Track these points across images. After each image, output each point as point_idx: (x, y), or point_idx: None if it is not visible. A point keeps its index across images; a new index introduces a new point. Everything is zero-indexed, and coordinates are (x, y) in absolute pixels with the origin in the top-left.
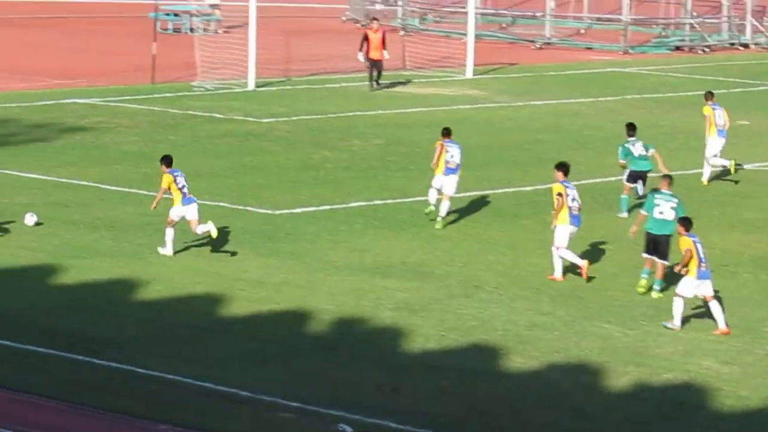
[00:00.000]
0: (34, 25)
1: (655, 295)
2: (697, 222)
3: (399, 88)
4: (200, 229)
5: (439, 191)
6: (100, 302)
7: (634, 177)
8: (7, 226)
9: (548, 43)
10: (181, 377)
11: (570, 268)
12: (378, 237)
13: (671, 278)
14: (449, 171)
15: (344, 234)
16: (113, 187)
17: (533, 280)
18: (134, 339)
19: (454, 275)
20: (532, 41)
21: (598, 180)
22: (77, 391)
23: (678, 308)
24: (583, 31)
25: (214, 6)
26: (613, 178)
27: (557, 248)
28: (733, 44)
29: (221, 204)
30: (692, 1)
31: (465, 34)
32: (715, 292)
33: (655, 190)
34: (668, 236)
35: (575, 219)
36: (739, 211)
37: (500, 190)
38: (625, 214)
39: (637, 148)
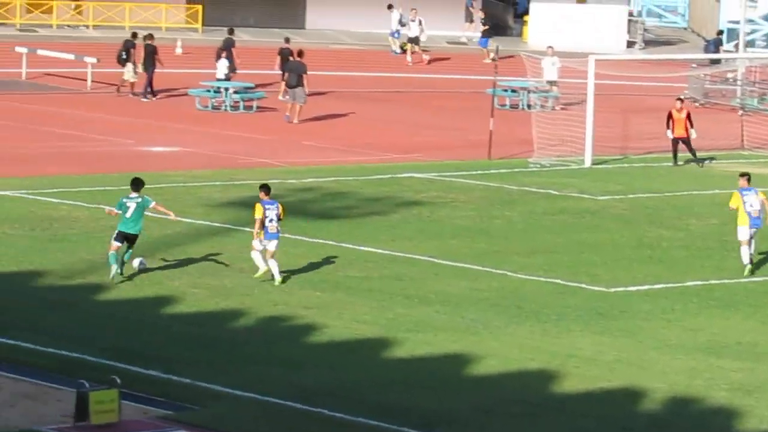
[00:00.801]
0: (379, 99)
1: None
2: None
3: (737, 168)
4: (270, 263)
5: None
6: (434, 377)
7: None
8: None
9: None
10: None
11: None
12: (713, 316)
13: None
14: (753, 222)
15: (678, 313)
16: (447, 262)
17: None
18: (468, 414)
19: None
20: None
21: None
22: None
23: None
24: None
25: (551, 83)
26: None
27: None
28: None
29: (555, 281)
30: None
31: None
32: None
33: None
34: None
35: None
36: None
37: None
38: None
39: None
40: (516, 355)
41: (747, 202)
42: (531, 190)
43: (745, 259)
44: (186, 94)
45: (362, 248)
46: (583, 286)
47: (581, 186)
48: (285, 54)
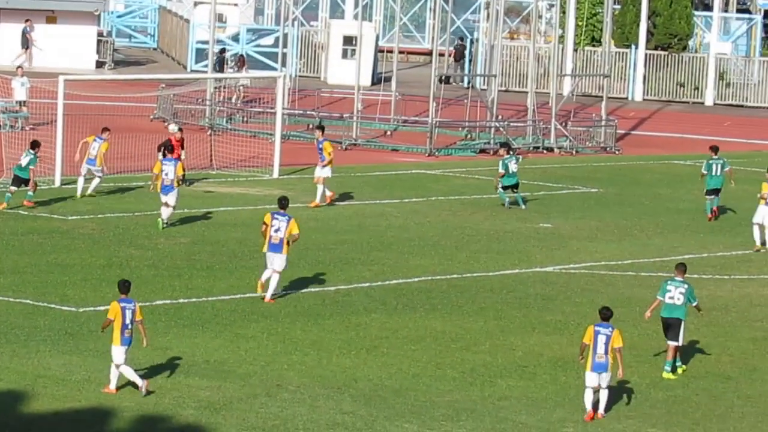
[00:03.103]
0: None
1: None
2: (499, 322)
3: (206, 188)
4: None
5: None
6: None
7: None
8: None
9: (354, 144)
10: None
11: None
12: (181, 336)
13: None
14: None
15: (148, 332)
16: None
17: (335, 380)
18: None
19: (257, 374)
20: (339, 142)
21: (401, 281)
22: None
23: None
24: (389, 133)
25: (21, 103)
26: (416, 279)
27: None
28: (537, 148)
29: (24, 301)
30: (498, 104)
31: (272, 134)
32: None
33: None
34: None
35: None
36: (541, 313)
37: (304, 290)
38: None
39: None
40: None
41: None
42: None
43: None
44: None
45: None
46: (53, 306)
47: (51, 206)
48: None
